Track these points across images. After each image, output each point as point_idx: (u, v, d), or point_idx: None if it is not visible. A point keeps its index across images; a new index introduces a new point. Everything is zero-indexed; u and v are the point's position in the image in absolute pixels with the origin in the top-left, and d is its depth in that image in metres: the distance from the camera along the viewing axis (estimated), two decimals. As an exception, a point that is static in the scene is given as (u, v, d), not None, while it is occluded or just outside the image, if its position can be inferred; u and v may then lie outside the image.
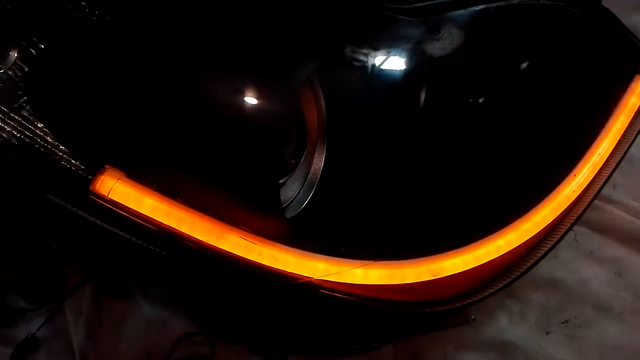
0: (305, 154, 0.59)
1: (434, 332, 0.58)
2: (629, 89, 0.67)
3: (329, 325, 0.53)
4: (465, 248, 0.52)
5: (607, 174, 0.62)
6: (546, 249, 0.56)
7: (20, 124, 0.41)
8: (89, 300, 0.63)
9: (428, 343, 0.58)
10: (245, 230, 0.43)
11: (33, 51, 0.41)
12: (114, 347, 0.61)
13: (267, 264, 0.43)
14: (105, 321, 0.63)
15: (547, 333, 0.58)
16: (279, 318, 0.49)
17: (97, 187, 0.40)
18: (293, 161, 0.59)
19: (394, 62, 0.56)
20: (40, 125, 0.42)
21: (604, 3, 0.66)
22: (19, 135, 0.41)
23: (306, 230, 0.54)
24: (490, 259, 0.53)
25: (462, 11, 0.55)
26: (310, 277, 0.44)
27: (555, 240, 0.57)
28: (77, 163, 0.42)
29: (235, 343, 0.57)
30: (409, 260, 0.48)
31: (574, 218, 0.59)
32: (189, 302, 0.52)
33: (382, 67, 0.55)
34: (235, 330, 0.54)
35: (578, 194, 0.59)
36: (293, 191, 0.59)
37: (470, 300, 0.52)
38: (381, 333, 0.54)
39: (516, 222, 0.56)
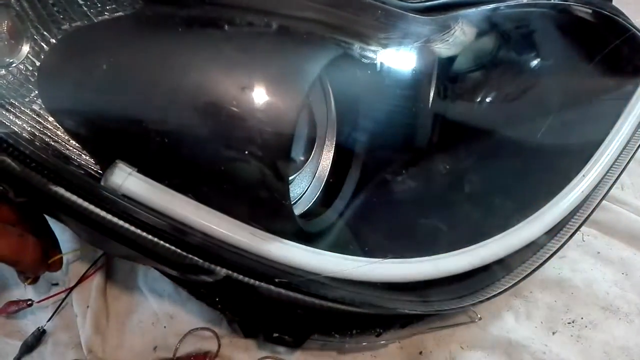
0: (314, 151, 0.59)
1: (440, 331, 0.58)
2: (639, 90, 0.67)
3: (335, 320, 0.53)
4: (471, 248, 0.52)
5: (616, 175, 0.62)
6: (554, 249, 0.56)
7: (32, 118, 0.41)
8: (95, 294, 0.64)
9: (434, 341, 0.58)
10: (255, 226, 0.43)
11: (45, 45, 0.41)
12: (121, 341, 0.61)
13: (276, 260, 0.43)
14: (112, 315, 0.63)
15: (554, 333, 0.58)
16: (286, 312, 0.49)
17: (108, 182, 0.40)
18: (302, 158, 0.59)
19: (403, 60, 0.56)
20: (51, 119, 0.42)
21: (614, 4, 0.66)
22: (30, 129, 0.41)
23: (314, 226, 0.54)
24: (497, 259, 0.53)
25: (473, 10, 0.55)
26: (318, 274, 0.44)
27: (563, 240, 0.57)
28: (88, 158, 0.43)
29: (242, 338, 0.57)
30: (417, 258, 0.48)
31: (582, 218, 0.59)
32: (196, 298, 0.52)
33: (391, 64, 0.55)
34: (244, 324, 0.54)
35: (586, 195, 0.59)
36: (302, 188, 0.59)
37: (477, 300, 0.52)
38: (385, 324, 0.54)
39: (523, 223, 0.56)
